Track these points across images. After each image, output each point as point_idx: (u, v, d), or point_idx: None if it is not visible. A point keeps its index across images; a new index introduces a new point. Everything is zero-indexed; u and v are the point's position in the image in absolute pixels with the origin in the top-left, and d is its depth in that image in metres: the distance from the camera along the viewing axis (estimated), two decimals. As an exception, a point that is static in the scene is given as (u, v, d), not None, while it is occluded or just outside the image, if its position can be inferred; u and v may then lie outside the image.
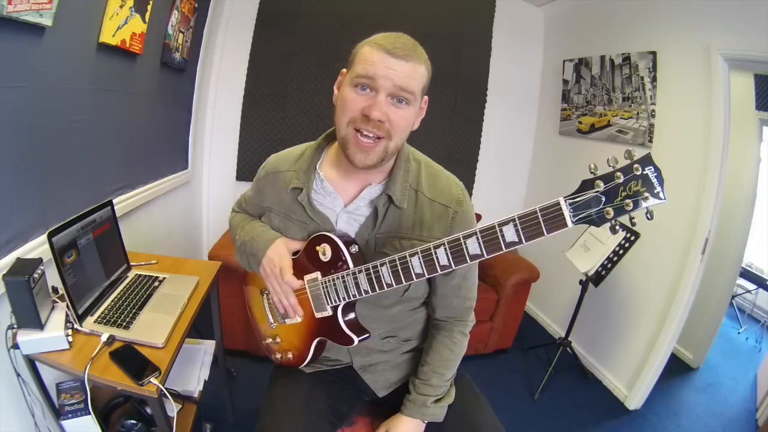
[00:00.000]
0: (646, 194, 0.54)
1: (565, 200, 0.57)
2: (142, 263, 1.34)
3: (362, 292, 0.77)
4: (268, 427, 0.85)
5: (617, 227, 0.57)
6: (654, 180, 0.55)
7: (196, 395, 1.30)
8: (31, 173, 1.06)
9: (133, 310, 1.08)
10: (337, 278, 0.79)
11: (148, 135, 1.74)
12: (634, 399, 2.01)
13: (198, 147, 2.41)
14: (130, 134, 1.58)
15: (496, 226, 0.61)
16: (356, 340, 0.83)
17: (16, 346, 0.90)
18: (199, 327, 1.32)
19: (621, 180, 0.55)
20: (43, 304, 0.91)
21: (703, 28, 1.78)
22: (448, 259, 0.66)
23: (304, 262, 0.85)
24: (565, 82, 2.59)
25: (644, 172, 0.54)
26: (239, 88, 2.51)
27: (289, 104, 2.54)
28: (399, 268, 0.71)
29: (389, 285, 0.73)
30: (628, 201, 0.55)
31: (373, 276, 0.74)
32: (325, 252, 0.81)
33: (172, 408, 1.02)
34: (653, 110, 2.00)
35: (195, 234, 2.59)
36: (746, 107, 2.39)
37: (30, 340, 0.89)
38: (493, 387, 2.01)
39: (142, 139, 1.69)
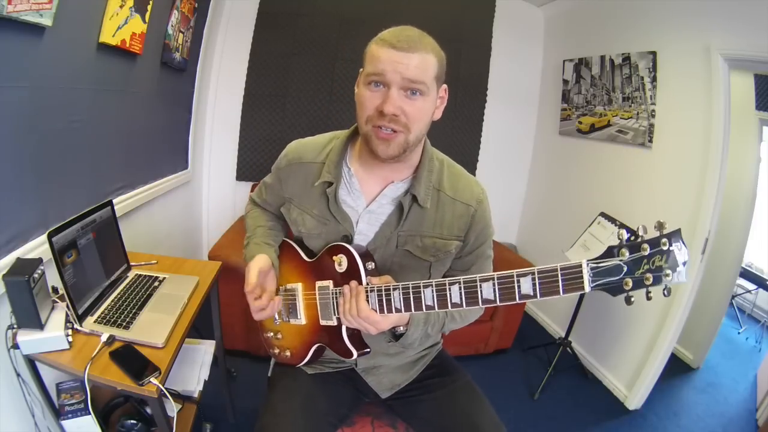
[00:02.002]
0: (669, 271, 0.52)
1: (588, 264, 0.56)
2: (142, 263, 1.34)
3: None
4: (268, 427, 0.85)
5: (632, 299, 0.55)
6: (678, 258, 0.53)
7: (196, 395, 1.30)
8: (31, 173, 1.05)
9: (133, 310, 1.07)
10: None
11: (148, 135, 1.74)
12: (634, 399, 2.01)
13: (198, 147, 2.41)
14: (130, 134, 1.58)
15: (515, 276, 0.61)
16: (355, 354, 0.84)
17: (16, 346, 0.90)
18: (199, 327, 1.31)
19: (647, 252, 0.53)
20: (43, 304, 0.91)
21: (703, 28, 1.78)
22: (461, 298, 0.67)
23: (319, 268, 0.86)
24: (565, 82, 2.59)
25: (671, 248, 0.52)
26: (239, 88, 2.51)
27: (289, 104, 2.54)
28: (411, 296, 0.72)
29: (398, 310, 0.74)
30: (648, 275, 0.53)
31: (384, 298, 0.75)
32: (341, 263, 0.81)
33: (172, 408, 1.02)
34: (653, 110, 2.00)
35: (195, 234, 2.58)
36: (746, 107, 2.38)
37: (30, 340, 0.89)
38: (493, 387, 2.01)
39: (142, 139, 1.69)
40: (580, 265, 0.56)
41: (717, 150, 1.73)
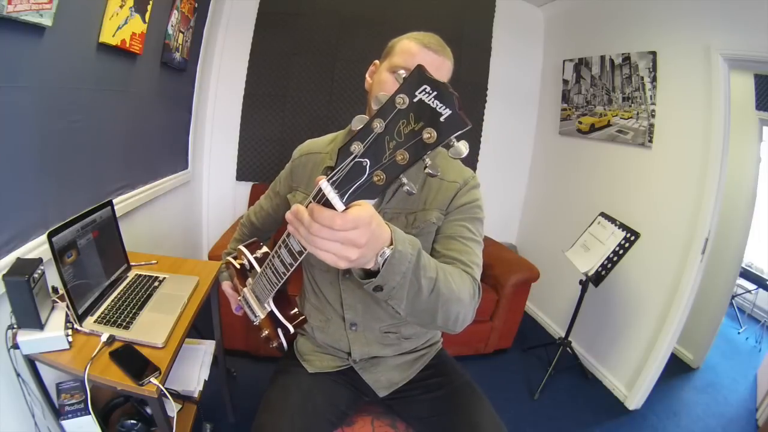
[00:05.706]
0: (428, 130, 0.38)
1: (328, 181, 0.45)
2: (142, 263, 1.34)
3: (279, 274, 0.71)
4: (265, 425, 0.85)
5: (407, 188, 0.44)
6: (435, 102, 0.37)
7: (196, 395, 1.30)
8: (31, 173, 1.05)
9: (133, 310, 1.07)
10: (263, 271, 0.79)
11: (148, 135, 1.74)
12: (634, 399, 2.01)
13: (198, 147, 2.41)
14: (130, 134, 1.58)
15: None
16: (290, 327, 0.84)
17: (16, 346, 0.90)
18: (199, 327, 1.32)
19: (381, 129, 0.40)
20: (43, 304, 0.91)
21: (703, 28, 1.78)
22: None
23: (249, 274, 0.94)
24: (565, 82, 2.59)
25: (415, 99, 0.38)
26: (239, 88, 2.51)
27: (289, 104, 2.54)
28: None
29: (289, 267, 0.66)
30: (401, 152, 0.40)
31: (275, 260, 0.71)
32: (243, 263, 0.91)
33: (172, 408, 1.02)
34: (653, 110, 2.00)
35: (195, 234, 2.58)
36: (746, 107, 2.39)
37: (30, 340, 0.89)
38: (493, 387, 2.01)
39: (142, 139, 1.69)
40: (321, 187, 0.45)
41: (717, 150, 1.74)
